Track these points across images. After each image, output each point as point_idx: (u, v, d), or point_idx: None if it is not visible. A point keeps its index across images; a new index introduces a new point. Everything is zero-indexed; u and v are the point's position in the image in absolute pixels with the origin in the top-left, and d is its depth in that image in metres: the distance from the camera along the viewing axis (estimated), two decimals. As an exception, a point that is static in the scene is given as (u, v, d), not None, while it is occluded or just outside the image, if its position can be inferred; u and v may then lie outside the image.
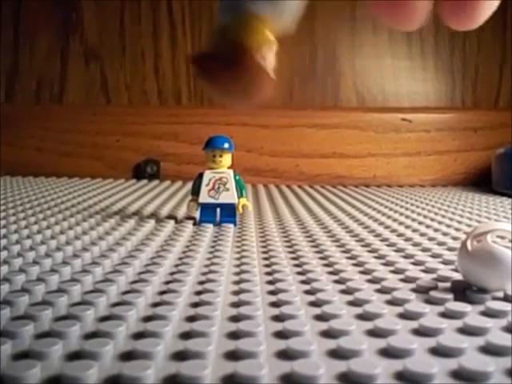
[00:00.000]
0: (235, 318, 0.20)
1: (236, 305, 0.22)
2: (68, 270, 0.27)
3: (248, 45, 0.16)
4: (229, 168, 0.40)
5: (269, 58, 0.16)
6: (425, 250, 0.33)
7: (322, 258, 0.31)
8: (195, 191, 0.40)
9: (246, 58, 0.15)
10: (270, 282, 0.26)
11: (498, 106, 0.80)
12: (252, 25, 0.17)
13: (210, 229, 0.38)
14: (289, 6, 0.18)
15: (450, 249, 0.33)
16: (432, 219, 0.45)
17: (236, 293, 0.24)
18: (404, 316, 0.21)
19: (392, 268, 0.29)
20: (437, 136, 0.77)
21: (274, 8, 0.17)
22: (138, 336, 0.18)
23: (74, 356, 0.17)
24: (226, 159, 0.39)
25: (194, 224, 0.41)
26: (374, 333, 0.19)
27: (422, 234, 0.38)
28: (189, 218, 0.42)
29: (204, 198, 0.39)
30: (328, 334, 0.19)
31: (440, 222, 0.43)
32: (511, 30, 0.78)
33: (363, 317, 0.21)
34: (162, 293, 0.23)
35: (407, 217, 0.46)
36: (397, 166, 0.76)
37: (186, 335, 0.19)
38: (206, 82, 0.17)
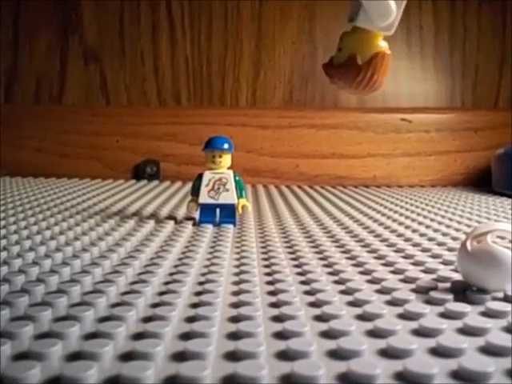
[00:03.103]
0: (235, 319, 0.20)
1: (236, 305, 0.22)
2: (67, 270, 0.27)
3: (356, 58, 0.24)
4: (228, 168, 0.40)
5: (376, 64, 0.24)
6: (424, 250, 0.33)
7: (321, 259, 0.31)
8: (195, 192, 0.40)
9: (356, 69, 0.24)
10: (270, 283, 0.26)
11: (498, 106, 0.80)
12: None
13: (209, 229, 0.38)
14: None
15: (450, 249, 0.33)
16: (432, 219, 0.45)
17: (236, 293, 0.24)
18: (404, 316, 0.21)
19: (392, 268, 0.29)
20: (437, 136, 0.77)
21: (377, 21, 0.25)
22: (138, 337, 0.18)
23: (74, 357, 0.17)
24: (226, 160, 0.39)
25: (194, 224, 0.41)
26: (373, 333, 0.19)
27: (422, 235, 0.38)
28: (188, 218, 0.42)
29: (204, 198, 0.39)
30: (328, 335, 0.19)
31: (440, 223, 0.43)
32: (511, 30, 0.78)
33: (363, 317, 0.21)
34: (162, 293, 0.23)
35: (407, 217, 0.46)
36: (396, 166, 0.76)
37: (185, 336, 0.19)
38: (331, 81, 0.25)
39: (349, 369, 0.16)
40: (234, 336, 0.19)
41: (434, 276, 0.27)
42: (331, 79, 0.27)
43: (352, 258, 0.31)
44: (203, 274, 0.27)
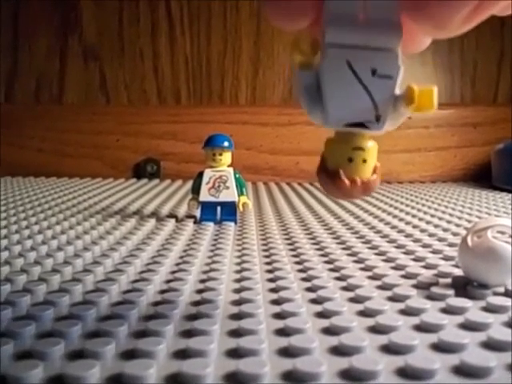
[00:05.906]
0: (237, 316, 0.20)
1: (237, 303, 0.22)
2: (69, 269, 0.27)
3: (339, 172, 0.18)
4: (229, 166, 0.40)
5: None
6: (425, 246, 0.33)
7: (322, 256, 0.31)
8: (195, 190, 0.40)
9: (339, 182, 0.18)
10: (271, 280, 0.26)
11: (497, 101, 0.80)
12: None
13: (210, 227, 0.38)
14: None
15: (451, 244, 0.33)
16: (432, 215, 0.45)
17: (237, 291, 0.24)
18: (405, 312, 0.21)
19: (393, 264, 0.29)
20: (436, 132, 0.77)
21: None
22: (140, 335, 0.19)
23: (76, 355, 0.17)
24: (226, 157, 0.39)
25: (195, 222, 0.41)
26: (375, 329, 0.19)
27: (423, 230, 0.38)
28: (189, 216, 0.43)
29: (204, 196, 0.39)
30: (329, 331, 0.19)
31: (440, 218, 0.43)
32: (509, 27, 0.78)
33: (364, 313, 0.21)
34: (164, 291, 0.23)
35: (407, 213, 0.46)
36: (396, 162, 0.76)
37: (187, 333, 0.19)
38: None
39: (351, 365, 0.16)
40: (235, 333, 0.19)
41: (434, 271, 0.27)
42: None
43: (353, 254, 0.31)
44: (204, 272, 0.27)
